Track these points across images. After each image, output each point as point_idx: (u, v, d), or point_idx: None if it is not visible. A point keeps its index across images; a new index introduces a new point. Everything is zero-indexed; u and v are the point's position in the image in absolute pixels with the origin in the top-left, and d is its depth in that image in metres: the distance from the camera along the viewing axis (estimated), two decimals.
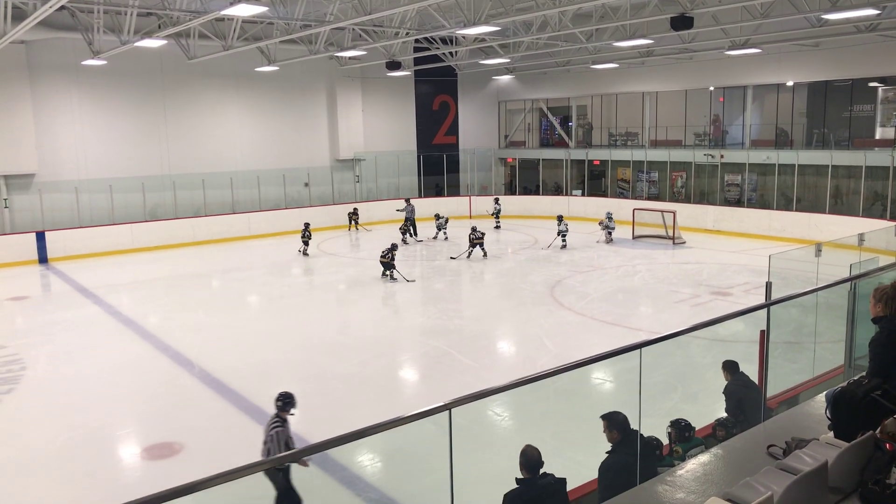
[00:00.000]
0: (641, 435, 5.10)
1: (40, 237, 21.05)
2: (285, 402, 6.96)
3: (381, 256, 17.50)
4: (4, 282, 18.54)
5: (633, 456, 4.95)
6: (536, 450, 4.80)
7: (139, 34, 17.48)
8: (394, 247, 17.68)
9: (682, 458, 5.69)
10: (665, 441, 6.21)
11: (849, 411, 3.59)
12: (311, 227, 21.53)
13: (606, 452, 5.10)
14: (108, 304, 15.86)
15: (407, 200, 24.41)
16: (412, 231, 23.76)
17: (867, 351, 4.02)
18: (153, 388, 10.73)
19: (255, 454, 6.69)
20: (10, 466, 8.32)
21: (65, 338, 13.54)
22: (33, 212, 21.86)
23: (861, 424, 3.46)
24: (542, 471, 4.72)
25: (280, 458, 5.91)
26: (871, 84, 22.38)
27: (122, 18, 17.16)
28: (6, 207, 21.66)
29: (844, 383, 3.91)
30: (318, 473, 7.54)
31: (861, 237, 12.59)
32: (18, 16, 15.49)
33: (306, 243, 21.12)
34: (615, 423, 5.11)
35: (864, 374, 3.95)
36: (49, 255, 21.07)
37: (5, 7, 15.56)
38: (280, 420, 6.82)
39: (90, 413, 9.79)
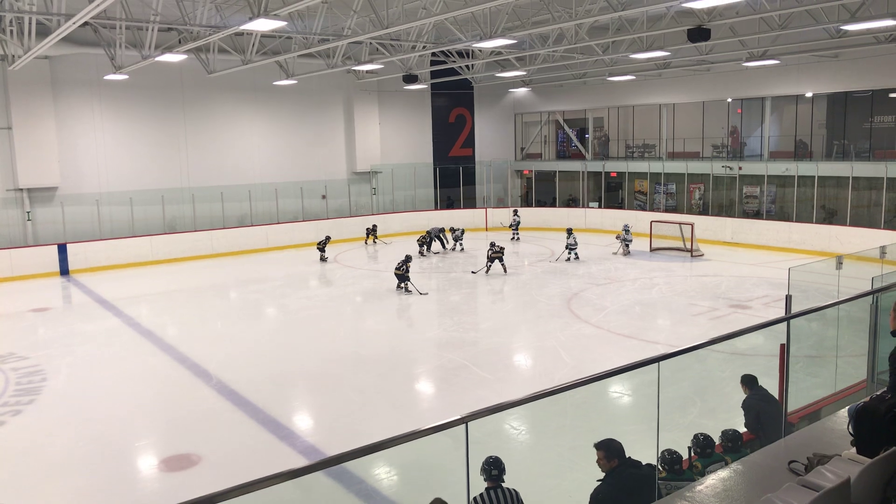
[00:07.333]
0: (634, 461, 4.98)
1: (62, 249, 21.35)
2: None
3: (396, 269, 17.54)
4: (27, 293, 18.79)
5: (621, 487, 4.78)
6: None
7: (160, 49, 17.75)
8: (408, 258, 17.73)
9: (702, 474, 5.62)
10: (685, 455, 6.12)
11: (872, 427, 3.54)
12: (330, 239, 23.43)
13: (598, 480, 4.93)
14: (128, 316, 16.01)
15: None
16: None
17: (888, 365, 3.96)
18: (171, 400, 10.80)
19: (273, 466, 6.70)
20: (30, 476, 8.40)
21: (85, 349, 13.68)
22: (55, 224, 22.17)
23: (884, 440, 3.40)
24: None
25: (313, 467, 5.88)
26: (892, 95, 22.16)
27: (144, 34, 17.43)
28: (29, 220, 22.00)
29: (867, 398, 3.85)
30: (334, 486, 7.54)
31: (883, 249, 12.42)
32: (43, 31, 15.79)
33: (322, 250, 22.60)
34: (613, 452, 4.92)
35: (885, 389, 3.89)
36: (70, 267, 21.35)
37: (30, 23, 15.88)
38: None
39: (109, 424, 9.86)
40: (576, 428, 8.31)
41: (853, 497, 3.07)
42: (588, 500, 4.91)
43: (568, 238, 21.36)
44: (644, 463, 5.00)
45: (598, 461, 4.97)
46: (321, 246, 22.67)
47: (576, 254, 21.24)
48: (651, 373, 4.41)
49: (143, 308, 17.18)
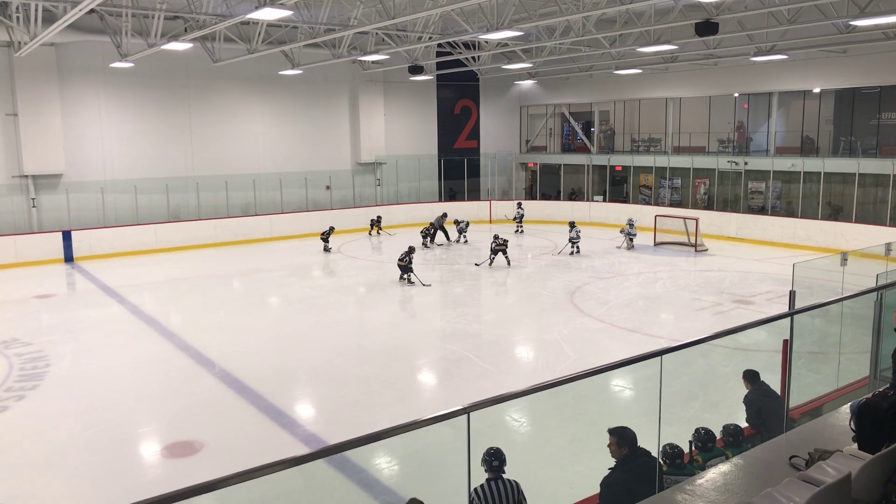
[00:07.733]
0: (645, 449, 5.01)
1: (66, 236, 21.41)
2: None
3: (399, 260, 17.54)
4: (31, 280, 18.85)
5: (634, 475, 4.84)
6: None
7: (166, 37, 17.73)
8: (411, 250, 17.72)
9: (702, 468, 5.63)
10: (686, 449, 6.14)
11: (873, 423, 3.53)
12: (334, 230, 23.26)
13: (609, 469, 4.99)
14: (132, 304, 16.06)
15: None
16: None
17: (891, 362, 3.96)
18: (174, 387, 10.85)
19: (274, 453, 6.73)
20: (33, 462, 8.45)
21: (89, 336, 13.74)
22: (60, 211, 22.23)
23: (886, 437, 3.40)
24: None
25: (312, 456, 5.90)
26: None
27: (150, 21, 17.41)
28: (34, 207, 22.05)
29: (869, 395, 3.84)
30: (334, 475, 7.57)
31: (888, 247, 12.39)
32: (49, 18, 15.80)
33: (325, 240, 22.60)
34: (625, 440, 4.98)
35: (888, 385, 3.88)
36: (75, 254, 21.42)
37: (36, 10, 15.88)
38: None
39: (112, 410, 9.91)
40: (577, 420, 8.33)
41: (854, 493, 3.07)
42: (597, 489, 4.93)
43: (570, 231, 21.33)
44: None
45: (609, 445, 5.02)
46: (325, 236, 22.70)
47: (577, 247, 21.21)
48: (653, 366, 4.41)
49: (147, 296, 17.23)
